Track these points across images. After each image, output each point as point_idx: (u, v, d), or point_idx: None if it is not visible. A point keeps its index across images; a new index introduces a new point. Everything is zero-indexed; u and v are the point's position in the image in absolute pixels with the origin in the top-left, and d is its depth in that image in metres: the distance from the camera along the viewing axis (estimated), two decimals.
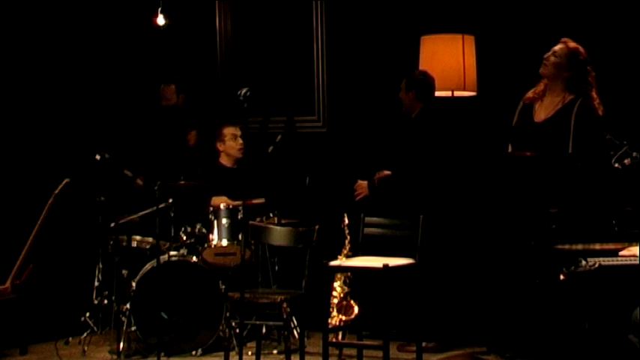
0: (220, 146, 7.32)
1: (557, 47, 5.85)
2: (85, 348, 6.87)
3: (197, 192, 6.97)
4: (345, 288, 6.59)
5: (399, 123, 7.05)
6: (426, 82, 6.72)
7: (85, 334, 6.96)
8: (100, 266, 7.06)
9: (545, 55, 5.85)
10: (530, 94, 5.95)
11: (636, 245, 4.93)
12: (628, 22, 6.59)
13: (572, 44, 5.83)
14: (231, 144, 7.29)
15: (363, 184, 6.81)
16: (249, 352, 6.65)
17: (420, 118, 6.74)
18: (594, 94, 5.74)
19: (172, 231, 6.98)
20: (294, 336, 6.66)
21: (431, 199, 6.57)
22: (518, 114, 5.98)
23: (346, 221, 6.62)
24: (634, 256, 4.90)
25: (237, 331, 6.51)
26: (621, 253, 4.99)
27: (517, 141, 5.91)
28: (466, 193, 6.66)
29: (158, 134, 7.75)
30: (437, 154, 6.63)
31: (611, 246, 5.07)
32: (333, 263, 6.01)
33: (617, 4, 6.64)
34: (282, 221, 6.83)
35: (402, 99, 6.81)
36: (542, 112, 5.86)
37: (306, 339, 6.60)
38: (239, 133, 7.30)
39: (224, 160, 7.34)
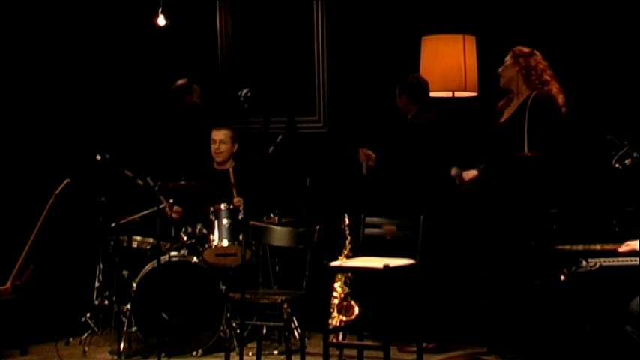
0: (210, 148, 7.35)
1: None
2: (86, 348, 6.86)
3: (198, 192, 6.98)
4: (346, 288, 6.59)
5: (397, 125, 7.04)
6: (418, 85, 6.76)
7: (85, 335, 6.96)
8: (101, 266, 7.06)
9: (498, 70, 6.05)
10: (501, 101, 6.08)
11: (634, 240, 4.94)
12: (630, 24, 6.59)
13: (513, 49, 6.02)
14: (212, 147, 7.30)
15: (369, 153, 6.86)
16: (250, 353, 6.65)
17: (415, 118, 6.76)
18: (550, 84, 5.81)
19: (173, 231, 6.98)
20: (294, 336, 6.65)
21: (429, 198, 6.57)
22: (492, 121, 6.07)
23: (347, 221, 6.62)
24: (633, 250, 4.90)
25: (238, 331, 6.51)
26: (620, 249, 4.99)
27: (486, 143, 5.97)
28: (466, 193, 6.65)
29: (183, 133, 7.74)
30: (433, 152, 6.64)
31: (611, 246, 5.08)
32: (333, 264, 6.02)
33: (621, 6, 6.64)
34: (283, 221, 6.84)
35: (398, 104, 6.88)
36: (506, 113, 5.97)
37: (306, 339, 6.60)
38: (220, 137, 7.27)
39: (215, 163, 7.36)
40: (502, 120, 5.95)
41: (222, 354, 6.21)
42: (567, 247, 5.15)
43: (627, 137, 5.34)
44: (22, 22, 7.60)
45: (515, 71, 5.92)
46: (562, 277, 5.04)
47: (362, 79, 7.63)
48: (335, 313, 6.56)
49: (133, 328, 6.68)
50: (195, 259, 6.82)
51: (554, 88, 5.81)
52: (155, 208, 6.59)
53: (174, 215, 7.02)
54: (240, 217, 6.73)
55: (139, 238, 7.01)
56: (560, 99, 5.78)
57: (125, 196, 7.11)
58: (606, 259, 4.97)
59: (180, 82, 7.66)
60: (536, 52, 5.95)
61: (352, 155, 7.18)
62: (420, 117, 6.74)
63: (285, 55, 8.03)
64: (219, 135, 7.29)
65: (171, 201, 6.88)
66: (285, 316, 6.30)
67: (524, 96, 5.85)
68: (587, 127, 6.33)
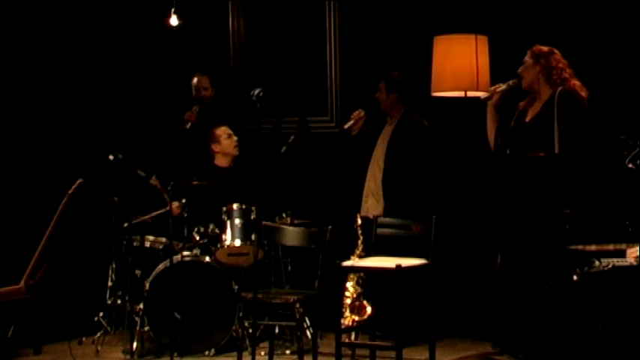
0: (216, 147, 7.34)
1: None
2: (99, 348, 6.88)
3: (211, 193, 6.99)
4: (358, 288, 6.59)
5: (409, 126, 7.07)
6: (407, 84, 6.97)
7: (98, 334, 6.98)
8: (114, 266, 7.07)
9: (518, 71, 6.04)
10: (523, 102, 6.10)
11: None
12: None
13: (532, 48, 6.01)
14: (227, 142, 7.32)
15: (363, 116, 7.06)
16: (262, 353, 6.64)
17: (410, 119, 6.89)
18: (572, 80, 5.83)
19: (185, 231, 6.99)
20: (306, 336, 6.66)
21: (429, 200, 6.65)
22: (514, 119, 6.07)
23: (359, 221, 6.62)
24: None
25: (250, 331, 6.51)
26: (633, 254, 4.97)
27: (510, 142, 5.97)
28: (479, 193, 6.65)
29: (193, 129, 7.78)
30: (430, 158, 6.83)
31: (624, 247, 5.06)
32: (345, 263, 6.01)
33: (631, 4, 6.62)
34: (295, 221, 6.84)
35: (381, 100, 7.00)
36: (531, 113, 5.96)
37: (318, 339, 6.59)
38: (231, 131, 7.35)
39: (220, 161, 7.36)
40: (528, 120, 5.94)
41: (235, 354, 6.21)
42: (580, 247, 5.14)
43: None
44: (37, 23, 7.63)
45: (536, 72, 5.91)
46: (575, 278, 5.03)
47: (374, 78, 7.62)
48: (347, 313, 6.55)
49: (146, 328, 6.69)
50: (207, 258, 6.83)
51: (577, 84, 5.82)
52: (167, 208, 6.60)
53: (176, 211, 7.04)
54: (252, 217, 6.76)
55: (151, 237, 7.02)
56: (584, 93, 5.81)
57: (138, 195, 7.12)
58: (619, 260, 4.96)
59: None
60: (556, 51, 5.96)
61: (364, 155, 7.20)
62: (416, 118, 6.95)
63: (297, 54, 8.04)
64: (230, 130, 7.33)
65: (183, 201, 6.92)
66: (298, 316, 6.31)
67: (548, 95, 5.86)
68: (601, 127, 6.31)
